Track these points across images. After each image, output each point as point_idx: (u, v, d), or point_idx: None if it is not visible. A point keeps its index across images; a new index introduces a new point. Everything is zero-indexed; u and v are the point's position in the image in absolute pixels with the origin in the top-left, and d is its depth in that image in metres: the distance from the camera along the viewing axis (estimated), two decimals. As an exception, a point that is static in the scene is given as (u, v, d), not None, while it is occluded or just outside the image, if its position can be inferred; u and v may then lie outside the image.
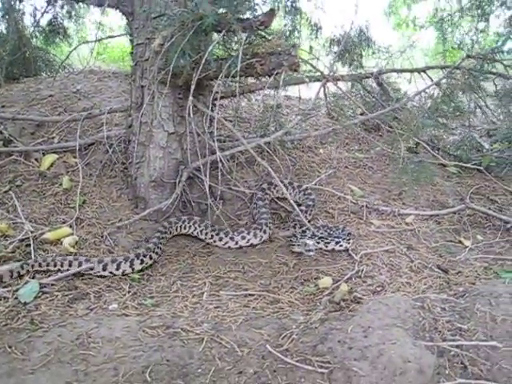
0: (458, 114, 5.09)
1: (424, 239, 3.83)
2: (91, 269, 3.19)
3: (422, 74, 4.85)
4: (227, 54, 3.05)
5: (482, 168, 4.74)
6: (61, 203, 3.86)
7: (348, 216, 4.07)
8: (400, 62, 6.11)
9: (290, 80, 3.76)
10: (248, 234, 3.62)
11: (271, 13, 2.75)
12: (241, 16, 2.74)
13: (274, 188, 4.16)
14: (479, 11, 6.19)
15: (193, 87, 3.12)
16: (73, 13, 7.23)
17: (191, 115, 3.26)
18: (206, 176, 3.53)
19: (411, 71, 4.83)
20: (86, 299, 2.98)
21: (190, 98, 3.17)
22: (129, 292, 3.07)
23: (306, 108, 5.09)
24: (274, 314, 2.83)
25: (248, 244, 3.63)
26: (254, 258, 3.52)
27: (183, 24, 2.98)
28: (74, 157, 4.16)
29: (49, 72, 5.71)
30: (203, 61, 2.85)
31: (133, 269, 3.26)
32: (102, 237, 3.60)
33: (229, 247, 3.63)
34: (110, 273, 3.22)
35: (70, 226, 3.64)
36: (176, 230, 3.70)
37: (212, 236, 3.65)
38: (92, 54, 5.65)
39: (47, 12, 6.92)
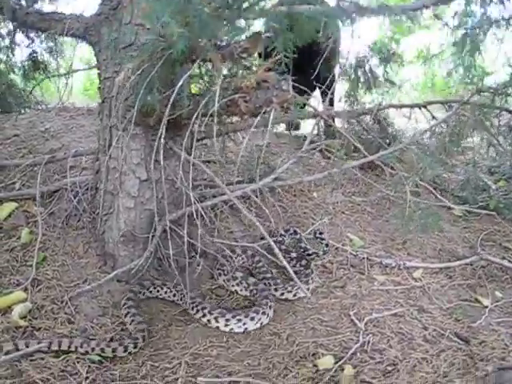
0: (464, 152, 4.55)
1: (436, 298, 3.21)
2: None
3: (423, 109, 4.30)
4: (206, 89, 2.46)
5: (491, 211, 4.14)
6: (17, 260, 3.19)
7: (348, 270, 3.44)
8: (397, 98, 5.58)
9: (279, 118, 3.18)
10: (257, 313, 2.85)
11: (257, 37, 2.17)
12: (219, 42, 2.18)
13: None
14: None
15: (163, 126, 2.52)
16: (54, 47, 6.70)
17: (161, 160, 2.65)
18: (184, 229, 2.91)
19: (411, 106, 4.28)
20: (31, 390, 2.32)
21: (162, 140, 2.57)
22: (86, 379, 2.41)
23: (297, 146, 4.51)
24: (264, 412, 2.18)
25: (257, 326, 2.86)
26: (240, 327, 2.87)
27: (152, 54, 2.39)
28: (37, 206, 3.51)
29: (19, 109, 5.09)
30: (173, 96, 2.25)
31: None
32: (61, 302, 2.94)
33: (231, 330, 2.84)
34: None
35: (25, 290, 2.98)
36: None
37: (210, 319, 2.86)
38: (65, 89, 5.10)
39: (27, 47, 6.40)
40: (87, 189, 3.40)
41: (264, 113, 2.27)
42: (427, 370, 2.52)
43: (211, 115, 2.45)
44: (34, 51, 6.38)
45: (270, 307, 2.92)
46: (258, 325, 2.83)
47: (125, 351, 2.58)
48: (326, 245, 3.55)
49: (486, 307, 3.14)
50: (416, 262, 3.58)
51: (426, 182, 3.97)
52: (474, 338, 2.81)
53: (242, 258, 3.46)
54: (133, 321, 2.78)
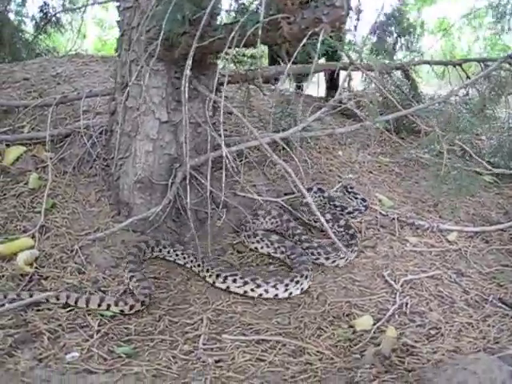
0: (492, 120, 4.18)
1: (474, 262, 2.89)
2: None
3: (458, 68, 3.92)
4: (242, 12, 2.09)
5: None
6: (24, 206, 2.88)
7: (378, 231, 3.12)
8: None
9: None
10: (307, 270, 2.52)
11: None
12: None
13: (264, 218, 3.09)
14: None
15: (190, 57, 2.17)
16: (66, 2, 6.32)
17: (186, 97, 2.30)
18: (206, 177, 2.57)
19: (446, 64, 3.91)
20: (37, 342, 2.02)
21: (188, 71, 2.21)
22: (97, 332, 2.10)
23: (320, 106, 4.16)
24: (300, 373, 1.87)
25: (309, 284, 2.54)
26: (265, 283, 2.56)
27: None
28: (47, 150, 3.18)
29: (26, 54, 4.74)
30: (205, 16, 1.89)
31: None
32: (71, 251, 2.63)
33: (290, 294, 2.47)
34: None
35: (33, 237, 2.67)
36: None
37: (268, 289, 2.44)
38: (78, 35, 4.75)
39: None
40: (101, 133, 3.07)
41: (310, 37, 1.90)
42: (474, 335, 2.22)
43: (246, 45, 2.10)
44: (46, 3, 6.02)
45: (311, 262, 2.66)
46: (310, 282, 2.53)
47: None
48: (363, 199, 3.18)
49: (529, 274, 2.83)
50: (449, 225, 3.25)
51: (461, 142, 3.61)
52: (521, 304, 2.50)
53: (276, 222, 3.09)
54: (138, 286, 2.42)
